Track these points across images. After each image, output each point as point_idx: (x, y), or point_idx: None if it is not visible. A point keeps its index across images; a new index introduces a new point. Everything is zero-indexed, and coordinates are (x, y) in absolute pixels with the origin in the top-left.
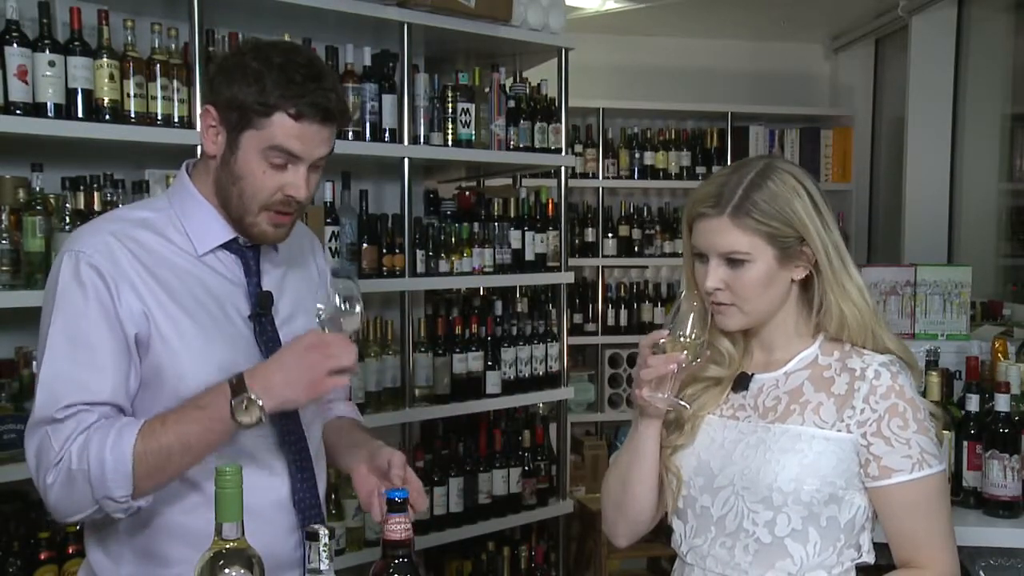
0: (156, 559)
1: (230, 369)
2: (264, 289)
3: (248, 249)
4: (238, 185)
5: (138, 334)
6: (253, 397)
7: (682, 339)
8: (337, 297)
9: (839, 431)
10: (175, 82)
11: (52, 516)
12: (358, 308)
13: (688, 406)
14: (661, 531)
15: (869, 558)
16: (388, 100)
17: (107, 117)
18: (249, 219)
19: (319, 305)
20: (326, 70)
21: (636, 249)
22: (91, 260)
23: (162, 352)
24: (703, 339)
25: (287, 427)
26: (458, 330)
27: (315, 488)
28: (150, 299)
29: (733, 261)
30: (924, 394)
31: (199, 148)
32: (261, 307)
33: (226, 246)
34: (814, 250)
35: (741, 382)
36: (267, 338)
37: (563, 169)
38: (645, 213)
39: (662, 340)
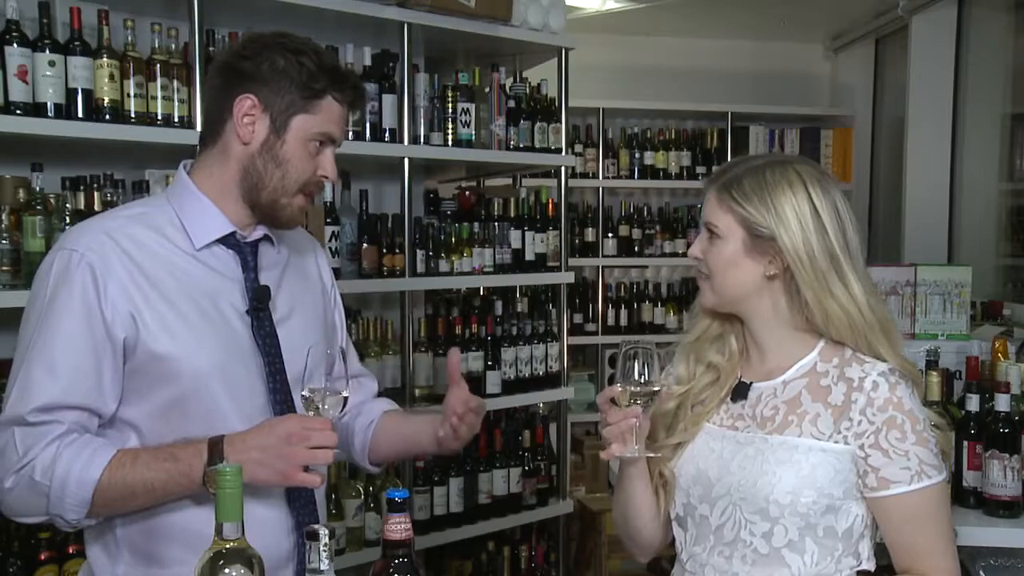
0: (154, 559)
1: (222, 367)
2: (261, 284)
3: (246, 245)
4: (282, 167)
5: (126, 338)
6: None
7: (633, 388)
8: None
9: (836, 442)
10: (175, 82)
11: (2, 512)
12: (342, 393)
13: (659, 454)
14: None
15: (869, 565)
16: (388, 100)
17: (107, 117)
18: (284, 200)
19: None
20: None
21: (636, 249)
22: (83, 259)
23: (150, 351)
24: (655, 380)
25: None
26: (458, 330)
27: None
28: (139, 299)
29: (712, 234)
30: (925, 394)
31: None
32: (258, 301)
33: (223, 241)
34: (784, 250)
35: (740, 391)
36: (264, 333)
37: (563, 169)
38: (645, 213)
39: (617, 395)
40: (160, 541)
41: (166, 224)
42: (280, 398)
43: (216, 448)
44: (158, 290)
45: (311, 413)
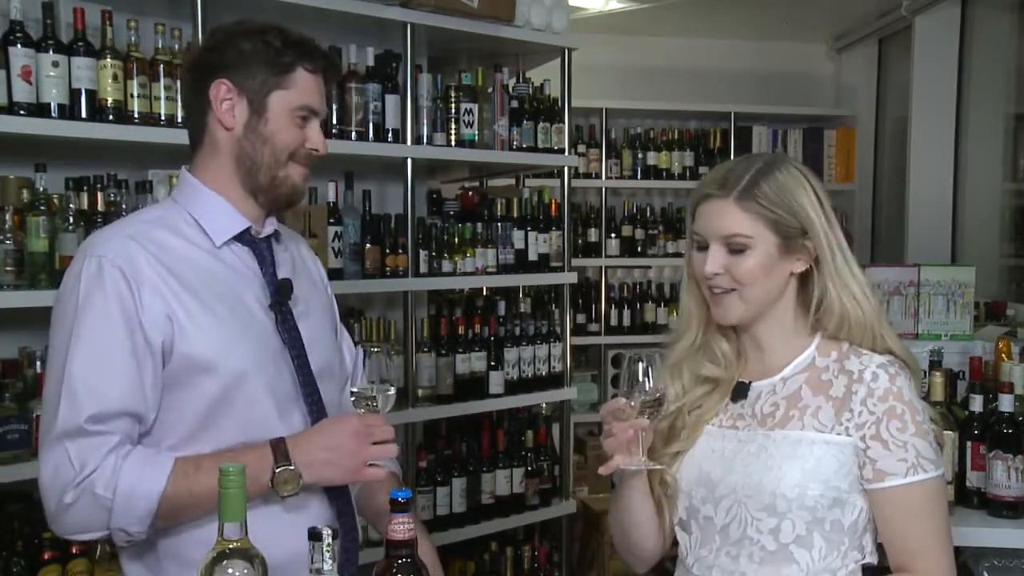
0: (192, 565)
1: (258, 363)
2: (282, 278)
3: (261, 240)
4: (269, 143)
5: (163, 341)
6: (295, 469)
7: (638, 401)
8: (373, 375)
9: (838, 434)
10: (178, 82)
11: (53, 528)
12: (391, 390)
13: (661, 466)
14: None
15: (872, 559)
16: (391, 100)
17: (110, 117)
18: (282, 173)
19: (352, 388)
20: None
21: (639, 249)
22: (114, 263)
23: (186, 352)
24: (661, 392)
25: None
26: (461, 330)
27: (350, 505)
28: (172, 300)
29: (734, 248)
30: (928, 395)
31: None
32: (281, 295)
33: (239, 239)
34: (816, 243)
35: (739, 391)
36: (288, 327)
37: (566, 169)
38: (648, 213)
39: (624, 406)
40: (202, 548)
41: (183, 225)
42: (309, 391)
43: (280, 449)
44: (188, 291)
45: (361, 411)
